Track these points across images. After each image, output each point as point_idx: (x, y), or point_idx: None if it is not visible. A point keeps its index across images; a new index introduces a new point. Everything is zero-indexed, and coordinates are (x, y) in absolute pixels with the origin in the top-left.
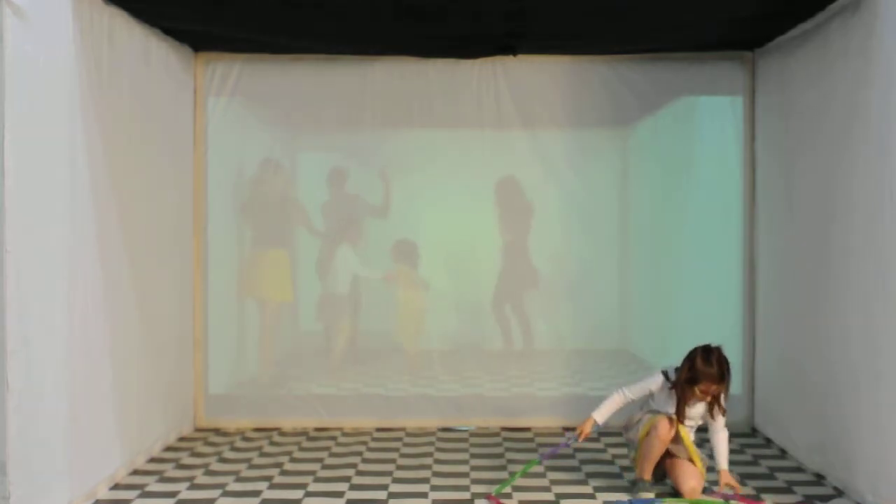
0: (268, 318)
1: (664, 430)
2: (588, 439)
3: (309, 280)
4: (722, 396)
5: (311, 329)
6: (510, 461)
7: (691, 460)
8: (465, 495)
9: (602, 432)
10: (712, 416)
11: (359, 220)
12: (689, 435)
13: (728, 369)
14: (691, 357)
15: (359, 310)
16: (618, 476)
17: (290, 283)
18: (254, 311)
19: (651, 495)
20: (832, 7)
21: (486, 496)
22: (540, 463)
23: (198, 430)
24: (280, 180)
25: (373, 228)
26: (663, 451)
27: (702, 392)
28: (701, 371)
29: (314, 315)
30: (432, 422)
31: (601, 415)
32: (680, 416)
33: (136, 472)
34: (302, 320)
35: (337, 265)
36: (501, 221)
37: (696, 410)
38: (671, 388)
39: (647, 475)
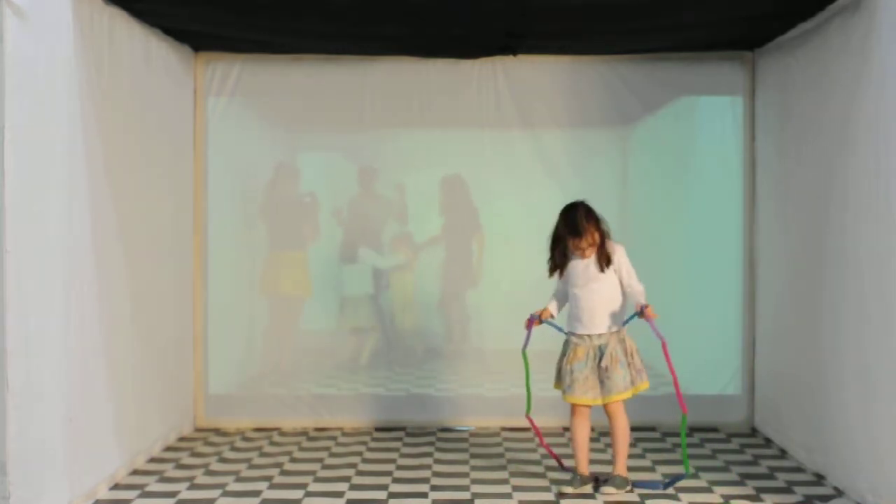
0: (285, 315)
1: (575, 422)
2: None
3: (322, 279)
4: (604, 247)
5: (312, 328)
6: (510, 461)
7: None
8: (465, 495)
9: (601, 432)
10: (601, 269)
11: (382, 221)
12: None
13: (588, 220)
14: (557, 220)
15: (385, 309)
16: None
17: (309, 281)
18: (254, 311)
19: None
20: (832, 7)
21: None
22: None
23: (198, 430)
24: (296, 184)
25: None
26: (586, 434)
27: (574, 249)
28: (560, 229)
29: (335, 315)
30: (432, 422)
31: (552, 304)
32: (561, 272)
33: (136, 472)
34: (303, 319)
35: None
36: (501, 220)
37: (588, 271)
38: (550, 261)
39: (583, 469)
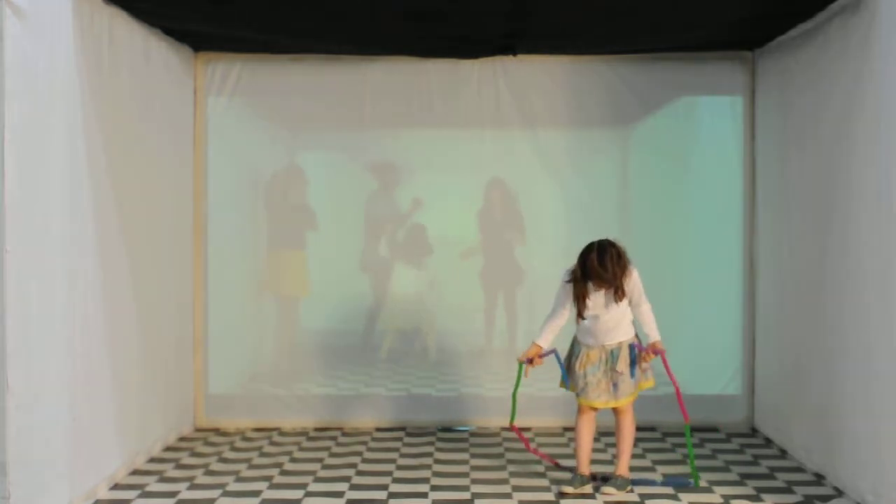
0: (285, 314)
1: (581, 421)
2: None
3: (319, 279)
4: (623, 285)
5: (313, 327)
6: (510, 461)
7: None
8: (465, 495)
9: (601, 432)
10: (616, 301)
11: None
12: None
13: (619, 266)
14: (583, 255)
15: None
16: None
17: (308, 280)
18: (254, 310)
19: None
20: (832, 7)
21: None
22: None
23: (198, 430)
24: (296, 183)
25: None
26: (590, 435)
27: (597, 287)
28: (592, 270)
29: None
30: (432, 422)
31: (543, 339)
32: (580, 311)
33: (136, 472)
34: (303, 318)
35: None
36: (501, 220)
37: (600, 300)
38: (567, 282)
39: (584, 469)
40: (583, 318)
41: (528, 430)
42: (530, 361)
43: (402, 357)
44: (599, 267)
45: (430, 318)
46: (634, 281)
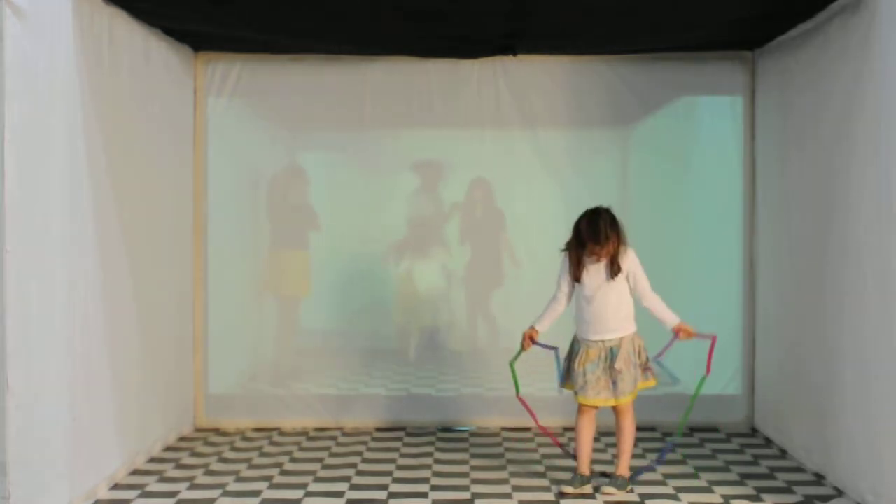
0: (285, 314)
1: (581, 421)
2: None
3: (322, 279)
4: (618, 257)
5: (314, 327)
6: (510, 461)
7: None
8: (465, 495)
9: (601, 432)
10: (611, 277)
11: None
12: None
13: (611, 229)
14: (577, 222)
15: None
16: None
17: (309, 280)
18: (254, 310)
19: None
20: (832, 7)
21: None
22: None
23: (198, 430)
24: (296, 183)
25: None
26: (591, 435)
27: (590, 254)
28: (584, 233)
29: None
30: (432, 422)
31: (541, 323)
32: (577, 276)
33: (136, 472)
34: (304, 318)
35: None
36: (501, 220)
37: (598, 277)
38: (563, 252)
39: (584, 469)
40: (577, 282)
41: (527, 429)
42: (527, 342)
43: (429, 356)
44: (590, 228)
45: (447, 316)
46: (631, 259)
